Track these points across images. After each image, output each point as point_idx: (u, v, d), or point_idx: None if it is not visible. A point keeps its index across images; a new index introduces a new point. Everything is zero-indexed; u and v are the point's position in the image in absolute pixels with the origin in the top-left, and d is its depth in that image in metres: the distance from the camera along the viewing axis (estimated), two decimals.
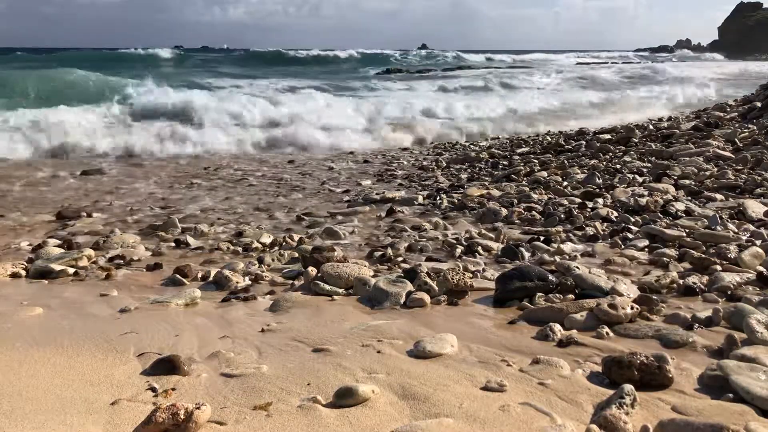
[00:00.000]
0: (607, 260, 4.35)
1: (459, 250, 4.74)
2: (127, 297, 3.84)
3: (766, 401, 2.23)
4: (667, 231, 4.79)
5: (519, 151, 10.38)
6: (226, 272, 4.15)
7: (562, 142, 10.79)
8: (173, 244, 5.24)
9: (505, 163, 9.23)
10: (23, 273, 4.40)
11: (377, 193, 7.23)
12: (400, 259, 4.59)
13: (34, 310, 3.52)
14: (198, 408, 2.13)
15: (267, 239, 5.28)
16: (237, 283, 4.04)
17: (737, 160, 7.62)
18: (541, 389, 2.42)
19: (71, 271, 4.41)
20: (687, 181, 6.79)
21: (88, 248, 4.91)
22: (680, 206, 5.60)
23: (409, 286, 3.69)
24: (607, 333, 3.02)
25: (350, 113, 14.74)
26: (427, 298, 3.57)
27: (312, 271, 4.02)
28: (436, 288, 3.66)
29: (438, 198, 6.84)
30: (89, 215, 6.44)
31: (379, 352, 2.82)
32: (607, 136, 10.75)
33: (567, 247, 4.67)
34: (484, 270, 4.20)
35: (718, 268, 3.96)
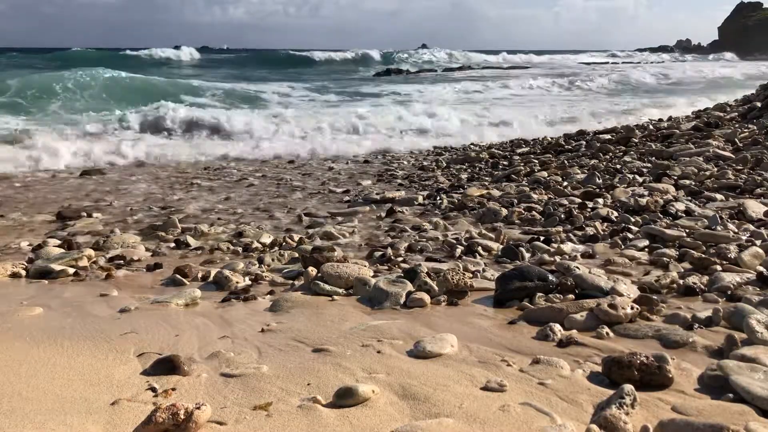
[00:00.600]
0: (607, 260, 4.35)
1: (459, 250, 4.74)
2: (127, 297, 3.84)
3: (766, 401, 2.23)
4: (667, 231, 4.79)
5: (519, 151, 10.37)
6: (226, 272, 4.15)
7: (562, 142, 10.79)
8: (173, 245, 5.24)
9: (505, 163, 9.23)
10: (23, 273, 4.40)
11: (377, 193, 7.24)
12: (400, 259, 4.59)
13: (34, 310, 3.52)
14: (198, 408, 2.13)
15: (267, 239, 5.28)
16: (237, 283, 4.04)
17: (737, 160, 7.62)
18: (541, 389, 2.42)
19: (71, 271, 4.41)
20: (687, 181, 6.79)
21: (88, 248, 4.91)
22: (680, 206, 5.61)
23: (409, 286, 3.69)
24: (607, 333, 3.02)
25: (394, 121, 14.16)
26: (427, 298, 3.57)
27: (312, 271, 4.02)
28: (436, 288, 3.66)
29: (438, 198, 6.84)
30: (89, 215, 6.44)
31: (379, 352, 2.82)
32: (607, 136, 10.75)
33: (567, 247, 4.67)
34: (484, 270, 4.20)
35: (718, 268, 3.96)
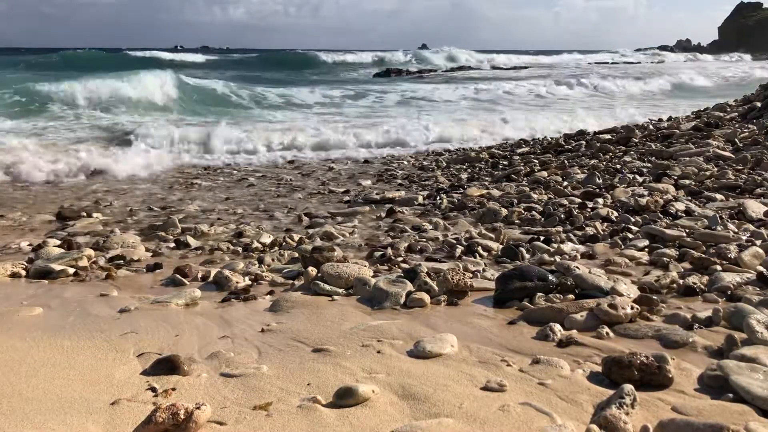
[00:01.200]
0: (607, 260, 4.35)
1: (459, 250, 4.74)
2: (127, 297, 3.84)
3: (766, 401, 2.23)
4: (667, 231, 4.79)
5: (519, 151, 10.37)
6: (226, 272, 4.15)
7: (562, 142, 10.79)
8: (173, 245, 5.24)
9: (505, 163, 9.23)
10: (23, 273, 4.40)
11: (377, 193, 7.24)
12: (400, 259, 4.59)
13: (34, 310, 3.52)
14: (198, 408, 2.13)
15: (267, 239, 5.28)
16: (237, 283, 4.04)
17: (737, 160, 7.62)
18: (541, 389, 2.42)
19: (71, 271, 4.40)
20: (687, 181, 6.79)
21: (88, 248, 4.91)
22: (680, 206, 5.61)
23: (409, 286, 3.69)
24: (607, 333, 3.02)
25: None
26: (427, 298, 3.57)
27: (312, 271, 4.02)
28: (436, 288, 3.66)
29: (438, 198, 6.84)
30: (89, 215, 6.44)
31: (379, 352, 2.83)
32: (607, 136, 10.75)
33: (567, 247, 4.67)
34: (484, 270, 4.20)
35: (718, 268, 3.96)
